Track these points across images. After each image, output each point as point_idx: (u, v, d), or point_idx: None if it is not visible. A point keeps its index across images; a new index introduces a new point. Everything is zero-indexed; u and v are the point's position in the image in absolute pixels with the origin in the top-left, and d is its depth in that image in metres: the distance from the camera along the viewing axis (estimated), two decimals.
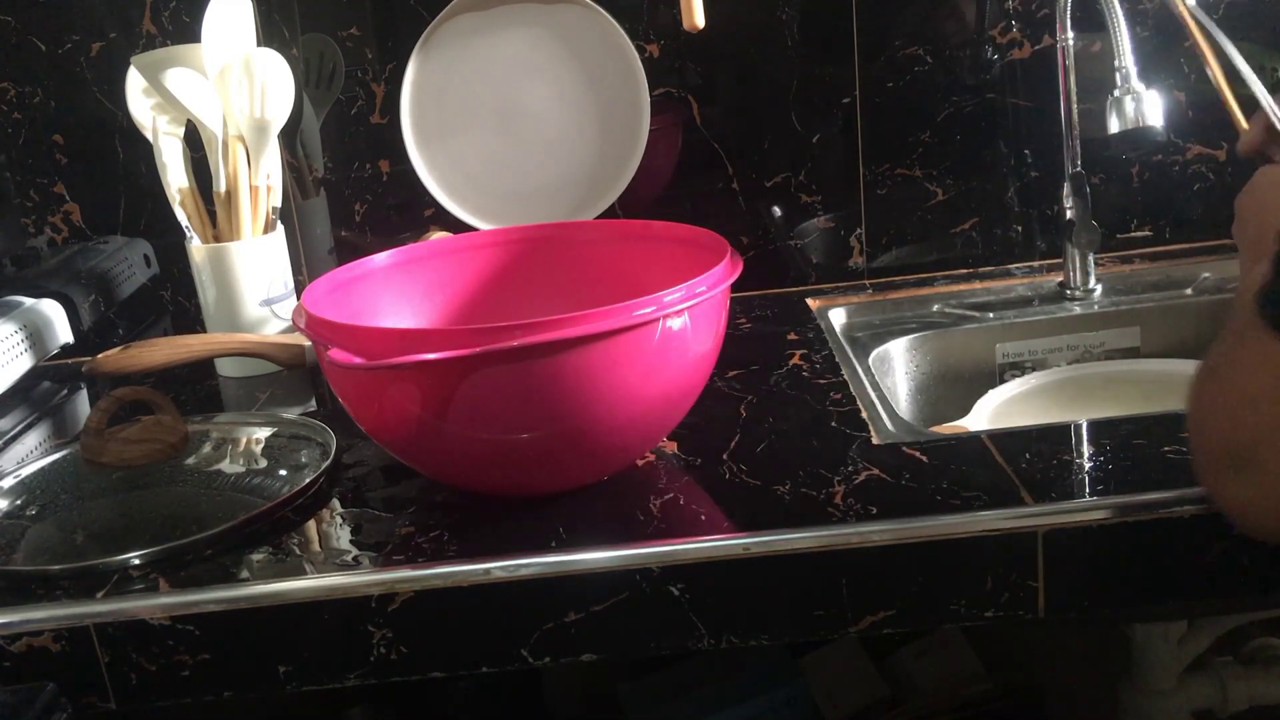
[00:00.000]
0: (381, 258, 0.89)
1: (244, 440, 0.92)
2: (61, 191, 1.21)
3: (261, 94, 1.04)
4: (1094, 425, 0.81)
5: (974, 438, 0.79)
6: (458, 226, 1.14)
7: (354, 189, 1.21)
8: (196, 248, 1.08)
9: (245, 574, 0.71)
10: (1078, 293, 1.13)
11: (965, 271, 1.22)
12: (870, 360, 1.06)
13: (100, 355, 1.00)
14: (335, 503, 0.80)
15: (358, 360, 0.68)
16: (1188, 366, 1.01)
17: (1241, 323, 0.62)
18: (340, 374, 0.73)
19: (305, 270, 1.19)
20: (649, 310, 0.69)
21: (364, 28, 1.17)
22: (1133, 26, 1.11)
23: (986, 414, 0.99)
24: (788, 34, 1.17)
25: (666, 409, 0.77)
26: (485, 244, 0.94)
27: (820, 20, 1.16)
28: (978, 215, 1.21)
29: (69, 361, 1.17)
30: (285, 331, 1.09)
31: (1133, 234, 1.21)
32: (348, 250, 1.22)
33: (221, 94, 1.05)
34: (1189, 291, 1.13)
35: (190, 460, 0.87)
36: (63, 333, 1.13)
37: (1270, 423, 0.59)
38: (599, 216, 1.16)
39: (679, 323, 0.71)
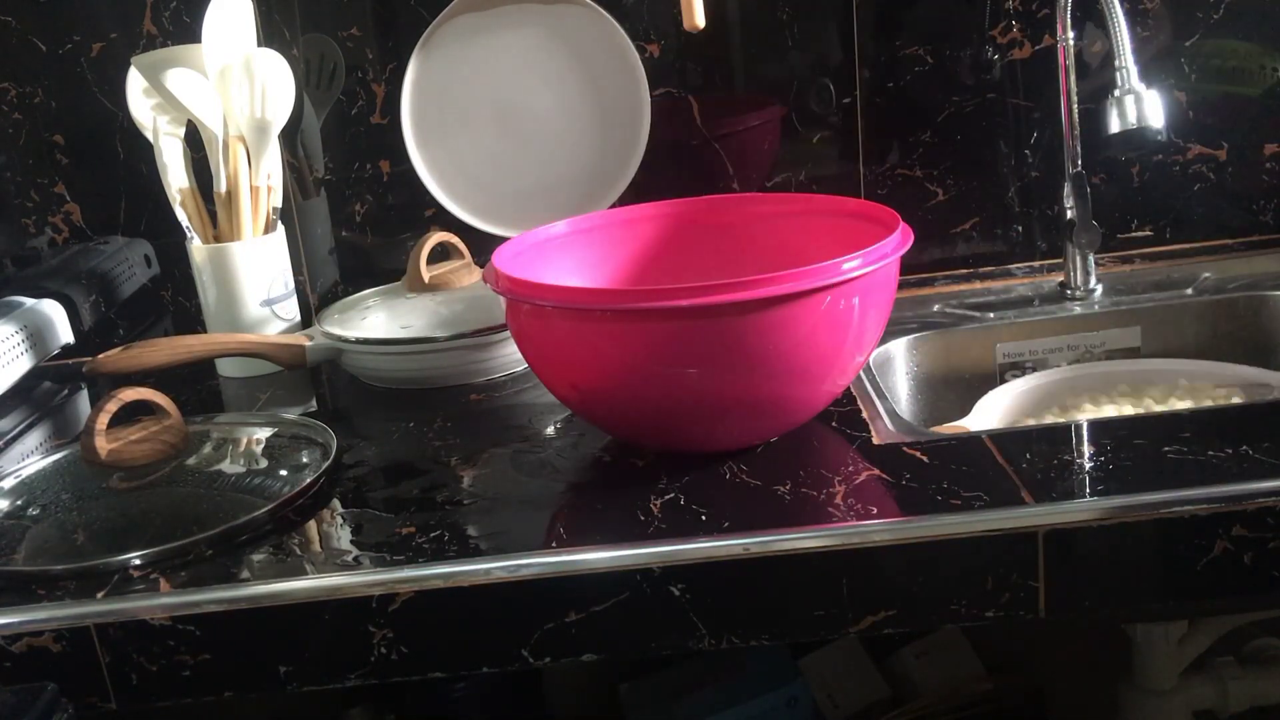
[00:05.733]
0: (556, 228, 0.94)
1: (244, 440, 0.92)
2: (62, 191, 1.21)
3: (262, 94, 1.04)
4: (1094, 425, 0.81)
5: (974, 438, 0.79)
6: (458, 226, 1.14)
7: (354, 189, 1.21)
8: (197, 248, 1.08)
9: (245, 574, 0.71)
10: (1078, 293, 1.13)
11: (965, 271, 1.22)
12: (870, 360, 1.06)
13: (101, 355, 1.00)
14: (335, 503, 0.80)
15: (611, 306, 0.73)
16: (1188, 366, 1.01)
17: None
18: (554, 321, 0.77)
19: (305, 270, 1.19)
20: (853, 264, 0.74)
21: (364, 28, 1.17)
22: (1133, 26, 1.11)
23: (986, 414, 0.99)
24: (788, 34, 1.17)
25: (845, 365, 0.80)
26: (645, 217, 0.98)
27: (821, 19, 1.16)
28: (978, 215, 1.21)
29: (69, 362, 1.17)
30: (286, 331, 1.09)
31: (1133, 234, 1.21)
32: (348, 250, 1.22)
33: (222, 94, 1.05)
34: (1189, 291, 1.13)
35: (190, 460, 0.87)
36: (63, 333, 1.13)
37: None
38: None
39: (859, 289, 0.75)
